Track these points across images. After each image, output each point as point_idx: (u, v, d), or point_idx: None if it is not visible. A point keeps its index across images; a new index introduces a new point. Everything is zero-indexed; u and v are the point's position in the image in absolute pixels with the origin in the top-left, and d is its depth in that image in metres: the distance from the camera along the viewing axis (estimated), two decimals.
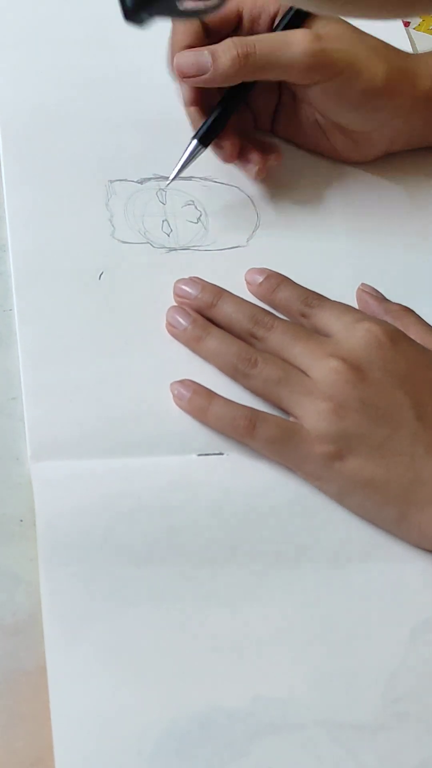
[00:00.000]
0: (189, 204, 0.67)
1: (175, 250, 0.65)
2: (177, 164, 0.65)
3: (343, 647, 0.53)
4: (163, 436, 0.58)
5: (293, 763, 0.50)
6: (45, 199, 0.65)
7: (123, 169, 0.67)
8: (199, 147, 0.65)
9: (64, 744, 0.49)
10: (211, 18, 0.62)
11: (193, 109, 0.65)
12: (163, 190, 0.66)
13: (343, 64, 0.63)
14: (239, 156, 0.66)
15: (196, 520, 0.55)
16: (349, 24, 0.64)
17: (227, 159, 0.66)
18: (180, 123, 0.68)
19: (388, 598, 0.55)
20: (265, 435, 0.57)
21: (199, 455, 0.58)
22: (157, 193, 0.67)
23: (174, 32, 0.65)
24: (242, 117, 0.68)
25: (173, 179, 0.65)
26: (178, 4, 0.44)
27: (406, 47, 0.75)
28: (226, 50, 0.62)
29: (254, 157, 0.66)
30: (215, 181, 0.68)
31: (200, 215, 0.67)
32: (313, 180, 0.69)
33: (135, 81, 0.71)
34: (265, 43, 0.62)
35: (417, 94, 0.66)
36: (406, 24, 0.78)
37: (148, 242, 0.65)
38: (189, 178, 0.68)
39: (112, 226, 0.65)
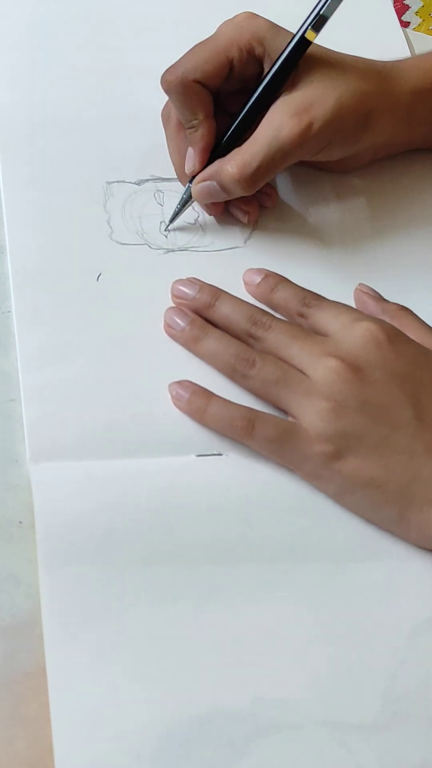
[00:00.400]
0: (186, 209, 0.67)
1: (173, 251, 0.65)
2: (175, 210, 0.66)
3: (343, 647, 0.53)
4: (161, 437, 0.58)
5: (293, 764, 0.50)
6: (43, 200, 0.65)
7: (121, 171, 0.67)
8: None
9: (64, 745, 0.49)
10: (205, 76, 0.63)
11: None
12: (164, 232, 0.66)
13: (335, 129, 0.63)
14: (230, 201, 0.66)
15: (195, 521, 0.55)
16: (328, 68, 0.64)
17: (213, 214, 0.66)
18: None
19: (389, 598, 0.55)
20: (263, 435, 0.57)
21: (198, 456, 0.58)
22: (154, 195, 0.67)
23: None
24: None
25: (171, 222, 0.66)
26: None
27: (403, 48, 0.76)
28: (233, 184, 0.63)
29: (243, 205, 0.66)
30: None
31: (197, 216, 0.67)
32: (310, 181, 0.69)
33: (133, 82, 0.71)
34: (260, 154, 0.62)
35: (399, 112, 0.66)
36: (405, 25, 0.78)
37: (145, 243, 0.65)
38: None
39: (110, 227, 0.65)
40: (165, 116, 0.67)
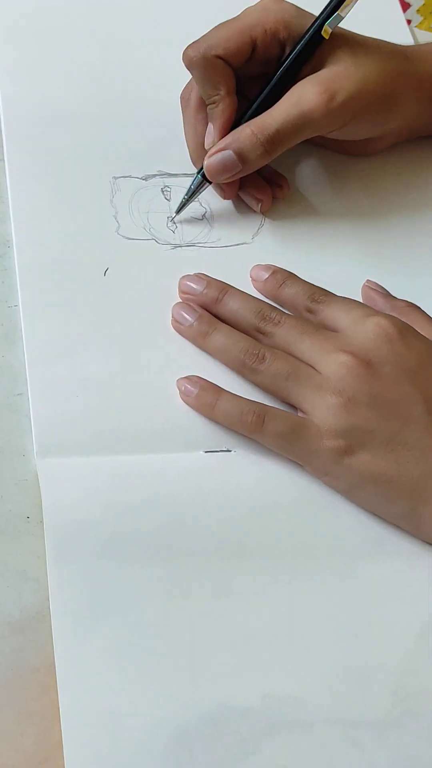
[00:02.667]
0: (194, 201, 0.67)
1: (180, 246, 0.65)
2: (184, 198, 0.65)
3: (353, 644, 0.53)
4: (169, 433, 0.58)
5: (304, 761, 0.50)
6: (50, 195, 0.65)
7: (128, 166, 0.67)
8: (205, 182, 0.65)
9: (73, 742, 0.49)
10: (227, 52, 0.63)
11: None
12: (171, 219, 0.65)
13: (358, 105, 0.63)
14: (243, 187, 0.66)
15: (204, 518, 0.55)
16: (353, 47, 0.64)
17: (227, 197, 0.66)
18: None
19: (399, 595, 0.55)
20: (273, 430, 0.56)
21: (206, 452, 0.57)
22: (162, 190, 0.67)
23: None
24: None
25: (178, 212, 0.65)
26: None
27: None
28: (251, 146, 0.63)
29: (257, 192, 0.66)
30: None
31: (205, 212, 0.67)
32: (318, 177, 0.69)
33: (140, 77, 0.71)
34: (281, 118, 0.62)
35: (422, 93, 0.66)
36: (409, 22, 0.78)
37: (153, 239, 0.65)
38: (193, 175, 0.67)
39: (117, 222, 0.65)
40: (184, 99, 0.66)
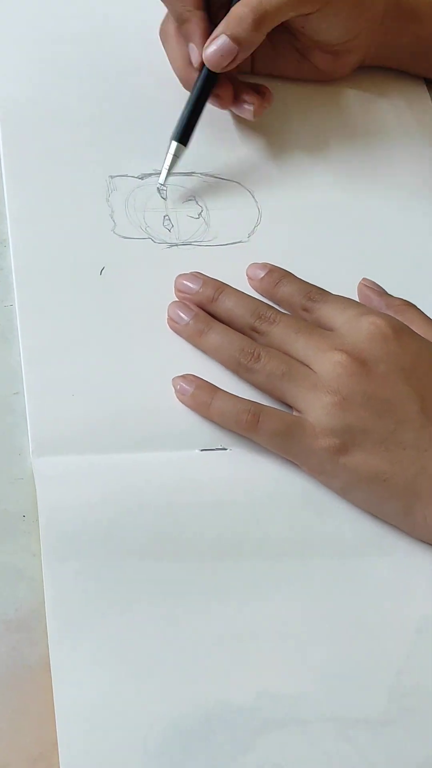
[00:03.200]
0: (190, 199, 0.67)
1: (176, 245, 0.65)
2: (162, 168, 0.66)
3: (350, 642, 0.53)
4: (165, 432, 0.58)
5: (299, 759, 0.50)
6: (46, 194, 0.65)
7: (124, 165, 0.67)
8: (181, 147, 0.66)
9: (68, 739, 0.49)
10: None
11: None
12: (162, 186, 0.66)
13: None
14: (235, 98, 0.67)
15: (200, 516, 0.55)
16: None
17: (224, 106, 0.67)
18: None
19: (395, 592, 0.55)
20: (269, 429, 0.56)
21: (202, 450, 0.58)
22: (158, 189, 0.67)
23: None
24: None
25: (164, 181, 0.66)
26: None
27: None
28: (241, 24, 0.64)
29: (249, 97, 0.67)
30: (216, 177, 0.68)
31: (201, 211, 0.67)
32: (315, 174, 0.69)
33: (136, 76, 0.71)
34: None
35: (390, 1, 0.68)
36: None
37: (149, 238, 0.65)
38: (190, 174, 0.67)
39: (113, 221, 0.65)
40: (163, 32, 0.68)
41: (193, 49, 0.66)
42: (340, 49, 0.69)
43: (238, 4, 0.65)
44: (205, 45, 0.65)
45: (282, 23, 0.66)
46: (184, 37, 0.66)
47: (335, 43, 0.69)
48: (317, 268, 0.64)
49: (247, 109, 0.67)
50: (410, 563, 0.55)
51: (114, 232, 0.65)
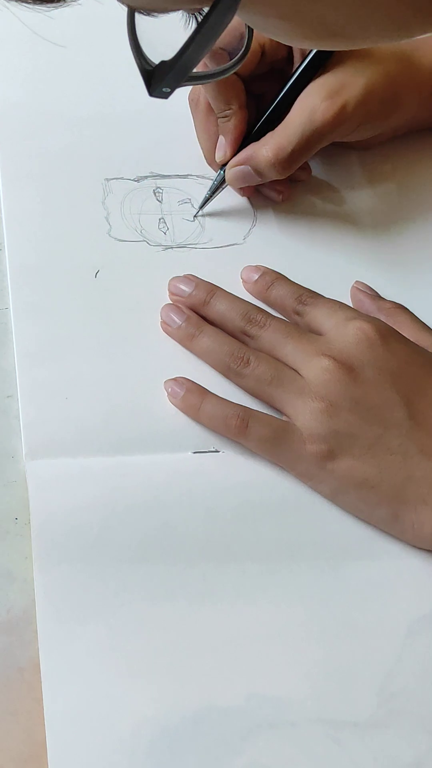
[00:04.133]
0: (185, 202, 0.67)
1: (172, 248, 0.65)
2: (206, 196, 0.66)
3: (339, 645, 0.53)
4: (158, 434, 0.58)
5: (288, 761, 0.50)
6: (41, 197, 0.65)
7: (119, 168, 0.67)
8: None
9: (57, 741, 0.49)
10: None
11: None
12: (194, 217, 0.66)
13: (366, 110, 0.64)
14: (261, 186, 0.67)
15: (192, 518, 0.55)
16: (357, 51, 0.65)
17: (245, 195, 0.67)
18: (177, 121, 0.68)
19: (384, 596, 0.55)
20: (257, 434, 0.56)
21: (195, 453, 0.58)
22: (153, 192, 0.67)
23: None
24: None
25: (201, 208, 0.66)
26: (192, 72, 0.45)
27: None
28: (268, 167, 0.64)
29: (277, 185, 0.66)
30: (212, 179, 0.68)
31: (197, 213, 0.67)
32: (310, 178, 0.69)
33: (132, 79, 0.70)
34: (295, 138, 0.63)
35: (423, 91, 0.67)
36: None
37: (144, 240, 0.65)
38: (185, 176, 0.68)
39: (109, 224, 0.65)
40: (193, 101, 0.67)
41: (222, 145, 0.65)
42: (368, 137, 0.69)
43: (267, 144, 0.64)
44: (231, 164, 0.65)
45: None
46: (219, 130, 0.65)
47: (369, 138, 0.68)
48: (312, 270, 0.64)
49: (275, 196, 0.67)
50: (399, 566, 0.55)
51: (109, 235, 0.65)
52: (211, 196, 0.66)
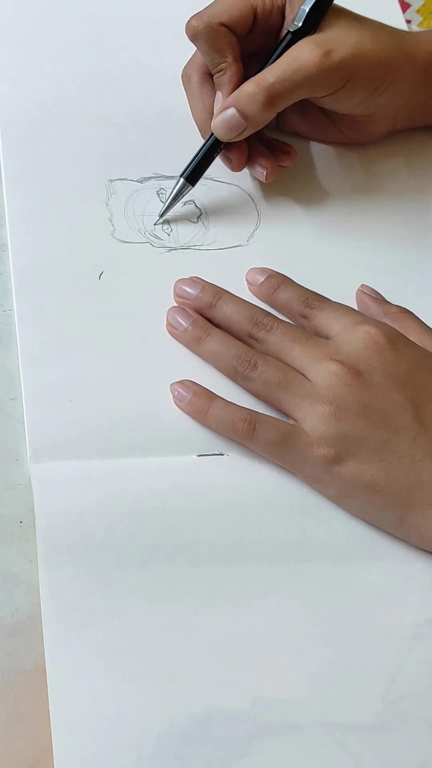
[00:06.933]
0: (189, 203, 0.67)
1: (176, 249, 0.65)
2: (165, 203, 0.65)
3: (344, 648, 0.53)
4: (163, 437, 0.58)
5: (293, 765, 0.50)
6: (45, 198, 0.65)
7: (123, 169, 0.67)
8: (187, 185, 0.65)
9: (63, 744, 0.49)
10: (231, 20, 0.64)
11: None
12: (154, 224, 0.65)
13: (353, 67, 0.63)
14: (249, 160, 0.66)
15: (197, 521, 0.55)
16: (351, 17, 0.65)
17: (235, 169, 0.66)
18: (181, 122, 0.68)
19: (389, 599, 0.55)
20: (264, 438, 0.56)
21: (199, 456, 0.58)
22: (157, 193, 0.67)
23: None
24: None
25: (162, 216, 0.65)
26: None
27: None
28: (251, 102, 0.63)
29: (263, 161, 0.66)
30: (216, 180, 0.68)
31: (200, 214, 0.67)
32: (314, 179, 0.69)
33: (136, 79, 0.71)
34: (278, 72, 0.63)
35: (417, 70, 0.66)
36: (408, 22, 0.78)
37: (148, 242, 0.65)
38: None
39: (112, 225, 0.65)
40: (186, 76, 0.67)
41: (220, 99, 0.65)
42: (366, 120, 0.68)
43: (249, 81, 0.63)
44: (214, 114, 0.64)
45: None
46: (215, 86, 0.65)
47: (360, 116, 0.67)
48: (316, 272, 0.64)
49: (260, 172, 0.66)
50: (405, 569, 0.55)
51: (113, 236, 0.65)
52: (172, 202, 0.65)
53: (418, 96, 0.67)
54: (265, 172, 0.66)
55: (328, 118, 0.68)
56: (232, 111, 0.63)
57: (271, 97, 0.63)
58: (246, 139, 0.65)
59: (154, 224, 0.65)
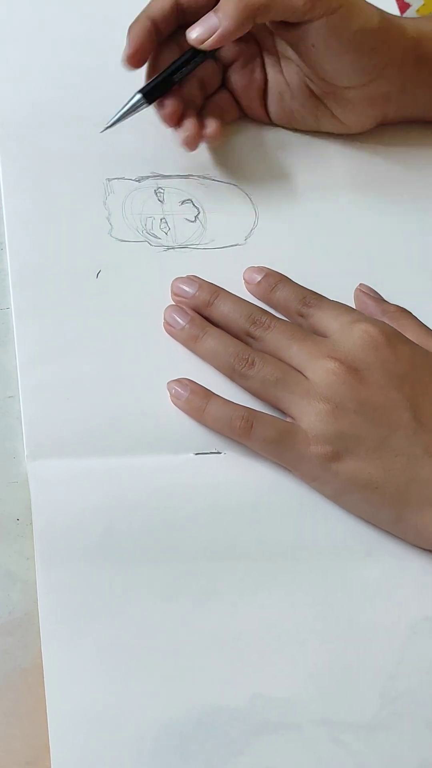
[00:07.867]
0: (187, 202, 0.67)
1: (173, 248, 0.65)
2: (116, 113, 0.65)
3: (342, 646, 0.53)
4: (160, 435, 0.58)
5: (292, 762, 0.50)
6: (42, 197, 0.65)
7: (121, 167, 0.67)
8: (142, 101, 0.65)
9: (60, 743, 0.49)
10: None
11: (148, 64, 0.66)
12: (102, 132, 0.65)
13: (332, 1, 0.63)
14: (180, 121, 0.66)
15: (194, 519, 0.55)
16: None
17: (166, 119, 0.65)
18: None
19: (387, 597, 0.55)
20: (262, 435, 0.56)
21: (197, 454, 0.58)
22: (155, 192, 0.67)
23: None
24: (219, 97, 0.69)
25: (109, 126, 0.65)
26: None
27: None
28: (230, 2, 0.62)
29: (189, 124, 0.65)
30: (213, 179, 0.68)
31: (198, 213, 0.67)
32: (312, 178, 0.69)
33: (133, 78, 0.71)
34: None
35: (406, 44, 0.66)
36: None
37: (145, 240, 0.65)
38: (187, 176, 0.68)
39: (110, 224, 0.65)
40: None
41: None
42: (356, 95, 0.67)
43: None
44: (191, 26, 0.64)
45: (296, 65, 0.66)
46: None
47: (349, 85, 0.66)
48: (314, 271, 0.64)
49: (180, 134, 0.65)
50: (402, 567, 0.56)
51: (111, 235, 0.65)
52: (124, 116, 0.65)
53: (409, 73, 0.67)
54: (184, 135, 0.65)
55: (318, 99, 0.68)
56: (210, 14, 0.63)
57: (251, 4, 0.62)
58: (184, 100, 0.65)
59: (100, 132, 0.65)
